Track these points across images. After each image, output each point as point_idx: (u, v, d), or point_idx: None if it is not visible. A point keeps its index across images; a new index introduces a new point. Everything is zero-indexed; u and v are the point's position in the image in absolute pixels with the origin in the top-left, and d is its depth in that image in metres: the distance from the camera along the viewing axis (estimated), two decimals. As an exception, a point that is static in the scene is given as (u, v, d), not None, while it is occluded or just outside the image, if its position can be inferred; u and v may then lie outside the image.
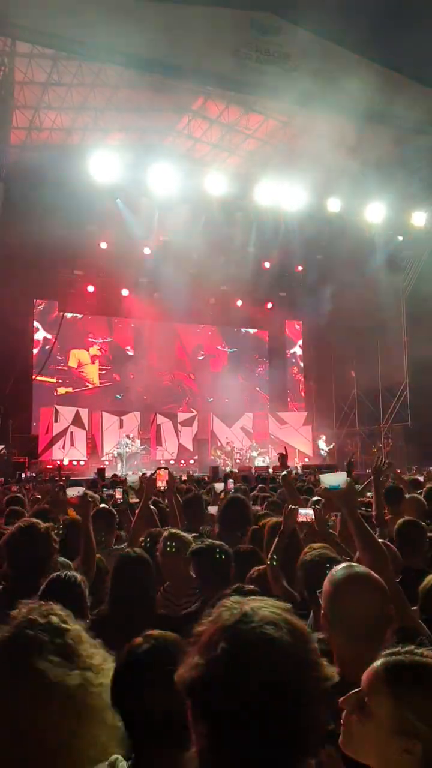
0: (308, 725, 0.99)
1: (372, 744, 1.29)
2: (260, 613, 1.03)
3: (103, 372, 23.54)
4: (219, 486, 8.28)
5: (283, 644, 0.99)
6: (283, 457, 5.55)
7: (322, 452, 22.29)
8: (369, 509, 5.16)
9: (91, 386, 23.18)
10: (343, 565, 2.04)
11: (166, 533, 3.77)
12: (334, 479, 2.61)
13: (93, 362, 23.52)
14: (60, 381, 22.79)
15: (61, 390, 22.65)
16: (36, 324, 22.20)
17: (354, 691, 1.35)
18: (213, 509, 5.96)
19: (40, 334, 22.26)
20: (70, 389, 22.83)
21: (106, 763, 1.45)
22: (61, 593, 2.60)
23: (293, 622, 1.04)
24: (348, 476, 2.70)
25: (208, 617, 1.07)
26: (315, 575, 2.68)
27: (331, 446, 22.59)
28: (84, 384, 23.22)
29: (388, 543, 3.53)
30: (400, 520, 4.16)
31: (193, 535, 4.15)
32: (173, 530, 3.86)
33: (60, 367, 22.80)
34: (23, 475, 16.14)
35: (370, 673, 1.35)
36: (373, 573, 2.02)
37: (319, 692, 1.02)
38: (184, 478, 13.72)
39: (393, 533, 4.09)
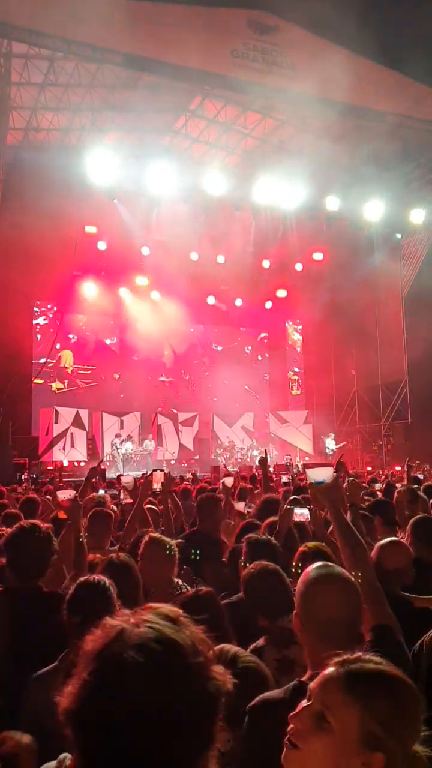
0: (188, 755, 0.94)
1: (328, 760, 1.21)
2: (134, 633, 0.97)
3: (103, 373, 23.53)
4: (228, 480, 8.27)
5: (145, 669, 0.93)
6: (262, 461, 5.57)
7: (328, 451, 22.10)
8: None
9: (82, 384, 23.05)
10: (318, 564, 2.01)
11: (146, 538, 3.66)
12: (320, 474, 2.56)
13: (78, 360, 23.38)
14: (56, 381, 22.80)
15: (55, 385, 22.56)
16: (35, 324, 22.21)
17: (305, 705, 1.27)
18: (239, 505, 5.96)
19: (39, 335, 22.27)
20: (62, 386, 22.69)
21: (56, 761, 1.44)
22: (91, 598, 2.56)
23: (170, 637, 0.97)
24: (335, 472, 2.66)
25: (92, 633, 1.02)
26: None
27: (342, 445, 22.29)
28: (75, 383, 23.16)
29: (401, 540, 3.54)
30: (416, 517, 4.21)
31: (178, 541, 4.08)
32: (154, 535, 3.78)
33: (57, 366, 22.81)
34: (23, 476, 16.14)
35: (325, 684, 1.27)
36: (346, 573, 2.02)
37: (199, 714, 0.96)
38: (188, 475, 13.74)
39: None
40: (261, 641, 2.68)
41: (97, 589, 2.62)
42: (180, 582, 3.61)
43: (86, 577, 2.76)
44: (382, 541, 3.36)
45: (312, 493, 2.75)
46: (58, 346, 22.39)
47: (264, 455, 6.23)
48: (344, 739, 1.20)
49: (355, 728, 1.19)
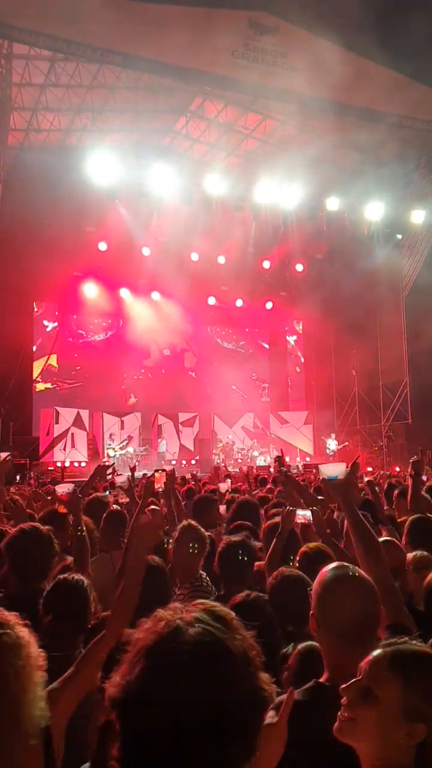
0: (227, 755, 0.96)
1: (375, 729, 1.36)
2: (189, 632, 0.98)
3: (104, 374, 23.52)
4: (223, 486, 8.38)
5: (198, 672, 0.95)
6: (279, 459, 5.59)
7: (329, 451, 22.10)
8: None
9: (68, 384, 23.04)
10: (334, 564, 2.01)
11: (185, 523, 3.79)
12: (334, 470, 2.55)
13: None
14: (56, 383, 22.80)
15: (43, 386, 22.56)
16: (35, 325, 22.22)
17: (355, 680, 1.41)
18: (222, 508, 6.00)
19: (39, 336, 22.28)
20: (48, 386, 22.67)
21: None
22: (66, 597, 2.59)
23: (224, 643, 0.99)
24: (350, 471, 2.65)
25: (143, 625, 1.04)
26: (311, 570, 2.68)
27: (343, 445, 22.29)
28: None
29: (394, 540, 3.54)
30: (414, 516, 4.20)
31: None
32: (192, 522, 3.85)
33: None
34: (31, 475, 16.16)
35: (373, 662, 1.41)
36: (363, 573, 1.99)
37: (243, 721, 0.98)
38: (188, 476, 13.73)
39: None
40: (290, 648, 2.71)
41: (73, 590, 2.65)
42: (204, 575, 3.66)
43: (65, 576, 2.78)
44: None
45: (325, 489, 2.75)
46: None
47: (281, 454, 6.29)
48: (389, 710, 1.34)
49: (398, 701, 1.34)
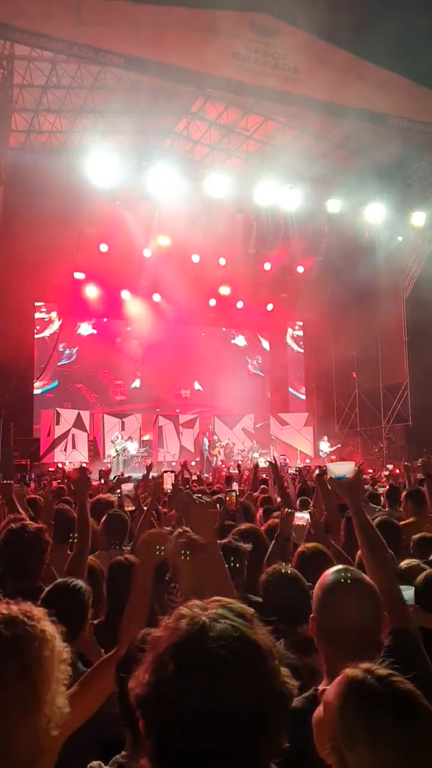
0: (259, 751, 0.96)
1: None
2: (216, 628, 0.99)
3: (104, 374, 23.55)
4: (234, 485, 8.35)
5: (234, 668, 0.95)
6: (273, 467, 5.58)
7: (322, 454, 22.16)
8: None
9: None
10: (336, 568, 1.96)
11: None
12: (342, 469, 2.52)
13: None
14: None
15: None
16: (36, 327, 22.24)
17: (330, 739, 1.28)
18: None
19: (39, 337, 22.30)
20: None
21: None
22: (63, 600, 2.59)
23: (251, 637, 1.00)
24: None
25: (166, 621, 1.04)
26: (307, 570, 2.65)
27: (336, 447, 22.37)
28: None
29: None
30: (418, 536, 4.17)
31: None
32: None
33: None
34: (31, 477, 16.15)
35: (339, 713, 1.26)
36: (365, 577, 1.95)
37: (274, 716, 0.99)
38: (194, 478, 13.72)
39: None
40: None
41: (71, 592, 2.65)
42: None
43: (64, 579, 2.79)
44: None
45: (332, 488, 2.72)
46: (61, 347, 22.41)
47: (274, 461, 6.31)
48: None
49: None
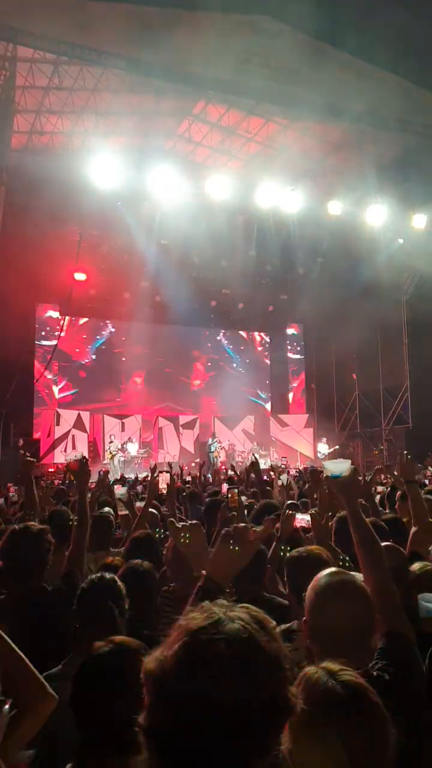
0: (252, 752, 0.99)
1: None
2: (228, 626, 1.03)
3: (104, 375, 23.57)
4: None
5: (232, 667, 0.99)
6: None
7: (320, 455, 22.19)
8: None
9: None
10: (328, 570, 1.95)
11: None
12: (338, 467, 2.46)
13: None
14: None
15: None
16: (37, 327, 22.26)
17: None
18: None
19: (40, 338, 22.32)
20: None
21: None
22: (136, 583, 2.70)
23: (259, 642, 1.03)
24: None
25: (189, 611, 1.09)
26: (299, 574, 2.63)
27: (333, 449, 22.43)
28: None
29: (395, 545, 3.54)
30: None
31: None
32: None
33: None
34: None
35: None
36: (357, 579, 1.94)
37: (266, 723, 1.01)
38: (188, 478, 13.73)
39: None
40: (294, 624, 2.64)
41: (142, 575, 2.79)
42: None
43: (132, 564, 3.00)
44: None
45: (328, 487, 2.68)
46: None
47: (255, 459, 6.44)
48: None
49: None
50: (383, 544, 3.49)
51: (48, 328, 22.54)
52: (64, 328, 22.43)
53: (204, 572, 1.78)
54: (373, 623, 1.86)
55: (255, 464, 7.02)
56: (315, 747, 1.28)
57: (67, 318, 22.40)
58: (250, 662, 1.01)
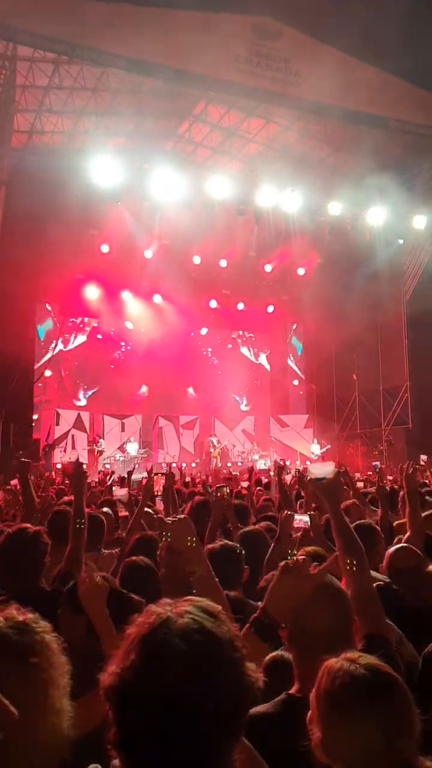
0: (217, 744, 1.01)
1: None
2: (178, 623, 1.04)
3: (104, 375, 23.55)
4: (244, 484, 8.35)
5: (191, 659, 1.00)
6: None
7: (313, 455, 22.18)
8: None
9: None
10: None
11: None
12: (321, 470, 2.45)
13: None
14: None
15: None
16: (37, 327, 22.24)
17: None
18: None
19: (40, 338, 22.30)
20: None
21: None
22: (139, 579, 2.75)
23: (211, 631, 1.05)
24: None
25: (138, 619, 1.09)
26: None
27: (326, 449, 22.41)
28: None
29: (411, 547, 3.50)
30: None
31: None
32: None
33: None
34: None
35: (316, 700, 1.39)
36: (336, 582, 1.93)
37: (232, 705, 1.03)
38: (187, 479, 13.70)
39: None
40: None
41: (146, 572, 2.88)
42: None
43: (134, 560, 3.09)
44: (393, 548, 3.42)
45: (312, 490, 2.68)
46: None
47: (280, 463, 6.34)
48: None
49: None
50: (398, 545, 3.50)
51: (48, 329, 22.52)
52: (64, 328, 22.41)
53: (260, 604, 1.78)
54: (351, 625, 1.86)
55: (281, 469, 6.86)
56: (349, 731, 1.32)
57: (66, 318, 22.38)
58: (209, 653, 1.02)
